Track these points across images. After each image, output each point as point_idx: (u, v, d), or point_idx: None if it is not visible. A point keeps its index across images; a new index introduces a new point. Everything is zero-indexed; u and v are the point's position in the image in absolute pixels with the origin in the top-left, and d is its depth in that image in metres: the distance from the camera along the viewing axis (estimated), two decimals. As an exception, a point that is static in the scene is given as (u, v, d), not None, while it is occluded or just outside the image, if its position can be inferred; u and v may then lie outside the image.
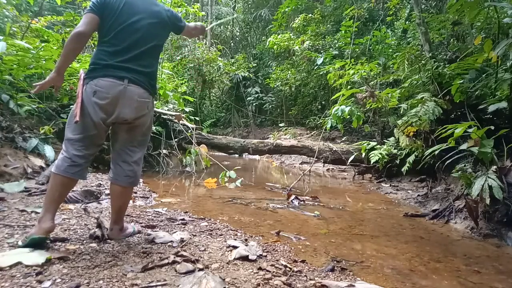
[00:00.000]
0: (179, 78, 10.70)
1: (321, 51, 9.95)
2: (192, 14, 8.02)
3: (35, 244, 1.60)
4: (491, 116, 3.52)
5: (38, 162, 3.61)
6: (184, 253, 1.71)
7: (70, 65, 2.03)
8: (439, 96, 4.25)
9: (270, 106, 14.30)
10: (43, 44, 4.03)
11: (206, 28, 2.42)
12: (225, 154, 7.52)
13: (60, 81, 1.79)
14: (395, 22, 9.96)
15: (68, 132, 1.75)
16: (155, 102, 5.91)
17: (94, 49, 1.91)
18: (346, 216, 3.10)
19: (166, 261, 1.60)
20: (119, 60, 1.73)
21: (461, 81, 3.96)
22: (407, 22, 8.71)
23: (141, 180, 4.11)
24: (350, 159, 5.83)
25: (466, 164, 3.19)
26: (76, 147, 1.72)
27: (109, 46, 1.75)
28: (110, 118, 1.73)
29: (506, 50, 3.45)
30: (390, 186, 4.88)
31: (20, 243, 1.64)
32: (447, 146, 3.05)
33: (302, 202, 3.54)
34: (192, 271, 1.51)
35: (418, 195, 4.04)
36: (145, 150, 1.97)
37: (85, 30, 1.72)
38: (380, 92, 5.46)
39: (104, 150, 4.40)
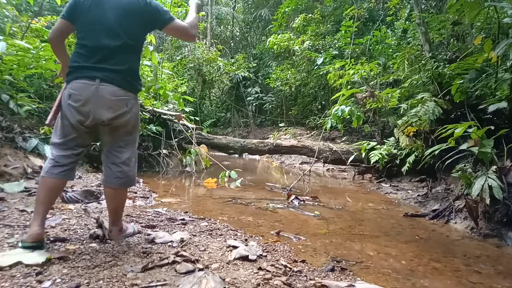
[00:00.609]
0: (179, 78, 10.70)
1: (321, 51, 9.95)
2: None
3: (27, 249, 1.59)
4: (491, 116, 3.52)
5: (38, 162, 3.61)
6: (184, 253, 1.71)
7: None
8: (439, 96, 4.25)
9: (270, 106, 14.30)
10: (43, 44, 4.03)
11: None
12: (225, 154, 7.52)
13: None
14: (395, 22, 9.96)
15: (53, 136, 1.77)
16: (155, 102, 5.98)
17: None
18: (346, 216, 3.10)
19: (166, 261, 1.60)
20: (91, 61, 1.70)
21: (461, 81, 3.96)
22: (407, 22, 8.71)
23: (141, 180, 4.11)
24: (350, 159, 5.83)
25: (466, 164, 3.19)
26: (59, 149, 1.72)
27: (81, 47, 1.74)
28: (88, 120, 1.69)
29: (506, 50, 3.45)
30: (390, 186, 4.88)
31: (19, 244, 1.64)
32: (447, 146, 3.05)
33: (302, 202, 3.54)
34: (192, 271, 1.50)
35: (418, 195, 4.04)
36: (134, 149, 1.90)
37: (51, 36, 1.81)
38: (380, 92, 5.46)
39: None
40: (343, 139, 8.72)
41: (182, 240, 1.95)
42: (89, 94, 1.67)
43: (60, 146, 1.73)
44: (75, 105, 1.68)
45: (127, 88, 1.76)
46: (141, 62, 2.03)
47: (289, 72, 11.73)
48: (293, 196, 3.62)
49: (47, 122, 1.76)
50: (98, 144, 4.03)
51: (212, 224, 2.44)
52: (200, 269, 1.53)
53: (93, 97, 1.67)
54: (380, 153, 5.05)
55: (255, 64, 15.31)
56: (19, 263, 1.45)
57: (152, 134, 5.46)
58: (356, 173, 5.88)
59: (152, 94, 6.16)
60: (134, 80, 1.83)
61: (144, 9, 1.77)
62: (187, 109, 6.82)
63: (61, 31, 1.80)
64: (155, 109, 5.82)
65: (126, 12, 1.74)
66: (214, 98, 17.40)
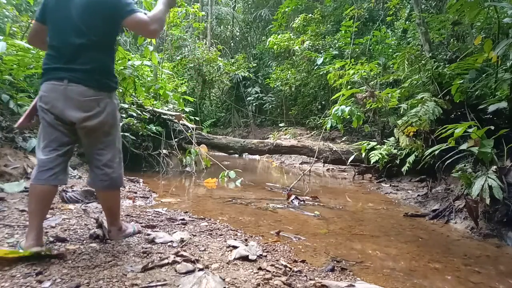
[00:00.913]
0: (179, 78, 10.70)
1: (321, 51, 9.95)
2: (192, 14, 8.01)
3: None
4: (491, 116, 3.52)
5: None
6: (184, 253, 1.71)
7: None
8: (439, 96, 4.25)
9: (270, 106, 14.30)
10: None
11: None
12: (225, 154, 7.52)
13: None
14: (395, 22, 9.97)
15: (38, 140, 1.73)
16: (155, 102, 5.98)
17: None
18: (346, 216, 3.10)
19: (166, 261, 1.60)
20: (60, 61, 1.65)
21: (461, 81, 3.96)
22: (407, 22, 8.71)
23: (141, 180, 4.11)
24: (350, 159, 5.83)
25: (466, 164, 3.19)
26: (45, 153, 1.66)
27: (50, 48, 1.70)
28: (63, 120, 1.66)
29: (506, 50, 3.45)
30: (390, 186, 4.88)
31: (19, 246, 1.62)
32: (447, 146, 3.05)
33: (302, 202, 3.54)
34: (192, 271, 1.50)
35: (418, 195, 4.04)
36: (116, 149, 1.82)
37: (28, 39, 1.81)
38: (380, 92, 5.46)
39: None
40: (343, 139, 8.72)
41: (182, 240, 1.95)
42: (57, 96, 1.63)
43: (44, 149, 1.67)
44: (45, 107, 1.65)
45: (98, 87, 1.68)
46: (115, 59, 1.91)
47: (289, 72, 11.73)
48: (293, 196, 3.61)
49: (16, 125, 1.72)
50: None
51: (212, 224, 2.44)
52: (200, 269, 1.53)
53: (62, 98, 1.63)
54: (380, 153, 5.05)
55: (255, 64, 15.30)
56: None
57: (152, 134, 5.46)
58: (356, 173, 5.88)
59: (152, 94, 6.16)
60: (106, 79, 1.74)
61: (106, 3, 1.66)
62: (187, 109, 6.83)
63: (35, 32, 1.78)
64: (155, 109, 5.82)
65: (89, 8, 1.65)
66: (214, 98, 17.40)
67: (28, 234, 1.58)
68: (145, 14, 1.69)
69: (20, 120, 1.74)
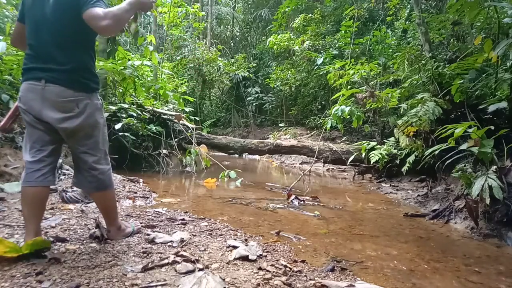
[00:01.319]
0: (179, 78, 10.71)
1: (321, 51, 9.95)
2: (192, 14, 8.01)
3: None
4: (491, 116, 3.52)
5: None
6: (184, 253, 1.71)
7: None
8: (439, 96, 4.25)
9: (270, 106, 14.31)
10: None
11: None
12: (225, 154, 7.52)
13: None
14: (395, 22, 9.97)
15: (24, 143, 1.70)
16: (155, 102, 5.99)
17: None
18: (346, 216, 3.10)
19: (166, 261, 1.60)
20: (37, 61, 1.62)
21: (461, 81, 3.96)
22: (407, 22, 8.72)
23: (141, 180, 4.11)
24: (350, 159, 5.83)
25: (466, 164, 3.19)
26: (31, 154, 1.63)
27: (29, 48, 1.65)
28: (41, 120, 1.62)
29: (506, 50, 3.45)
30: (390, 186, 4.88)
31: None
32: (447, 146, 3.05)
33: (302, 202, 3.54)
34: (192, 271, 1.50)
35: (418, 195, 4.04)
36: (101, 150, 1.76)
37: (11, 40, 1.79)
38: (380, 92, 5.46)
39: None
40: (343, 139, 8.73)
41: (182, 240, 1.95)
42: (34, 96, 1.60)
43: (30, 151, 1.64)
44: (24, 108, 1.63)
45: (76, 88, 1.63)
46: (96, 58, 1.83)
47: (289, 72, 11.73)
48: (293, 196, 3.61)
49: None
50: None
51: (212, 224, 2.44)
52: (200, 269, 1.53)
53: (39, 98, 1.59)
54: (380, 153, 5.05)
55: (255, 64, 15.31)
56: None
57: (152, 134, 5.46)
58: (356, 173, 5.88)
59: (152, 94, 6.17)
60: (85, 79, 1.67)
61: (69, 1, 1.59)
62: (187, 109, 6.83)
63: (17, 33, 1.75)
64: (155, 109, 5.82)
65: (59, 5, 1.60)
66: (214, 98, 17.41)
67: (26, 238, 1.57)
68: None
69: (3, 122, 1.71)
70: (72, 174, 3.75)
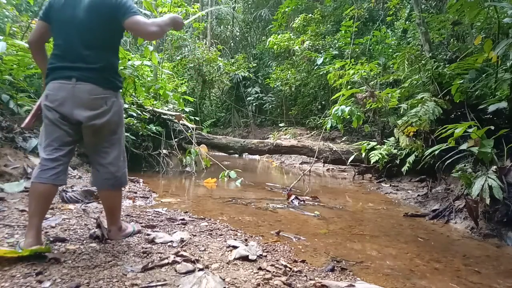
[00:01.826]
0: (179, 78, 10.71)
1: (321, 51, 9.95)
2: (192, 14, 8.00)
3: None
4: (491, 116, 3.52)
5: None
6: (184, 253, 1.71)
7: None
8: (439, 96, 4.25)
9: (270, 106, 14.30)
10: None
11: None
12: (225, 154, 7.52)
13: None
14: (395, 22, 9.96)
15: (39, 141, 1.73)
16: (155, 102, 5.98)
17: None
18: (346, 216, 3.10)
19: (166, 261, 1.60)
20: (66, 60, 1.67)
21: (461, 81, 3.96)
22: (407, 22, 8.71)
23: (141, 180, 4.11)
24: (350, 159, 5.83)
25: (466, 164, 3.19)
26: (46, 152, 1.67)
27: (56, 48, 1.72)
28: (68, 119, 1.67)
29: (506, 50, 3.45)
30: (390, 186, 4.88)
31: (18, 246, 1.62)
32: (447, 146, 3.05)
33: (302, 202, 3.54)
34: (192, 271, 1.50)
35: (418, 195, 4.04)
36: (121, 148, 1.84)
37: (31, 39, 1.78)
38: (380, 92, 5.46)
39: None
40: (343, 139, 8.72)
41: (182, 240, 1.95)
42: (65, 94, 1.64)
43: (46, 148, 1.68)
44: (52, 106, 1.65)
45: (105, 86, 1.71)
46: (119, 59, 1.95)
47: (289, 72, 11.73)
48: (293, 196, 3.61)
49: (22, 125, 1.72)
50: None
51: (212, 224, 2.44)
52: (200, 269, 1.53)
53: (70, 97, 1.64)
54: (380, 153, 5.05)
55: (255, 64, 15.30)
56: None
57: (152, 134, 5.46)
58: (356, 173, 5.88)
59: (152, 94, 6.16)
60: (113, 77, 1.77)
61: (108, 4, 1.70)
62: (187, 109, 6.82)
63: (39, 32, 1.78)
64: (155, 109, 5.82)
65: (94, 8, 1.69)
66: (214, 98, 17.40)
67: (28, 232, 1.59)
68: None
69: (26, 121, 1.74)
70: (73, 174, 3.76)
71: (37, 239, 1.58)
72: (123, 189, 2.07)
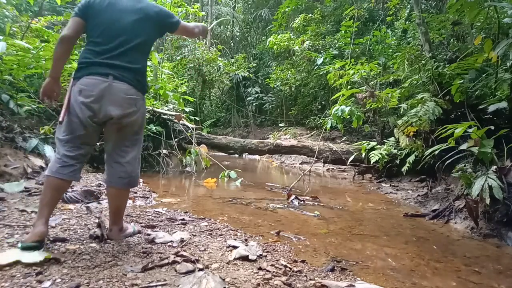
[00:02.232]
0: (179, 78, 10.69)
1: (321, 51, 9.95)
2: (192, 14, 8.01)
3: (28, 250, 1.56)
4: (491, 116, 3.52)
5: (38, 162, 3.61)
6: (184, 253, 1.71)
7: (63, 69, 1.99)
8: (439, 96, 4.25)
9: (270, 106, 14.30)
10: (43, 44, 4.03)
11: (209, 28, 2.49)
12: (225, 154, 7.52)
13: (56, 85, 1.82)
14: (395, 22, 9.96)
15: (58, 132, 1.75)
16: (155, 102, 5.98)
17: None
18: (346, 216, 3.10)
19: (166, 261, 1.60)
20: (104, 57, 1.72)
21: (461, 81, 3.96)
22: (407, 22, 8.71)
23: (141, 180, 4.11)
24: (350, 159, 5.83)
25: (466, 164, 3.19)
26: (66, 148, 1.71)
27: (95, 45, 1.76)
28: (98, 117, 1.70)
29: (506, 50, 3.45)
30: (390, 186, 4.88)
31: (18, 245, 1.63)
32: (447, 146, 3.05)
33: (302, 202, 3.54)
34: (192, 271, 1.50)
35: (418, 195, 4.04)
36: (139, 149, 1.93)
37: (68, 34, 1.78)
38: (380, 92, 5.46)
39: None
40: (343, 139, 8.72)
41: (182, 240, 1.96)
42: (101, 91, 1.68)
43: (67, 144, 1.71)
44: (86, 101, 1.68)
45: (137, 87, 1.79)
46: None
47: (289, 72, 11.73)
48: (293, 196, 3.61)
49: (60, 119, 1.73)
50: (98, 144, 4.03)
51: (212, 224, 2.44)
52: (200, 269, 1.53)
53: (106, 94, 1.69)
54: (380, 153, 5.05)
55: (255, 64, 15.30)
56: (18, 262, 1.45)
57: (152, 134, 5.46)
58: (356, 173, 5.88)
59: (152, 94, 6.16)
60: (144, 80, 1.87)
61: (155, 15, 1.87)
62: (187, 109, 6.82)
63: (76, 29, 1.81)
64: (155, 109, 5.81)
65: (140, 16, 1.82)
66: (214, 98, 17.40)
67: (37, 221, 1.63)
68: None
69: (62, 114, 1.73)
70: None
71: (47, 225, 1.66)
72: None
